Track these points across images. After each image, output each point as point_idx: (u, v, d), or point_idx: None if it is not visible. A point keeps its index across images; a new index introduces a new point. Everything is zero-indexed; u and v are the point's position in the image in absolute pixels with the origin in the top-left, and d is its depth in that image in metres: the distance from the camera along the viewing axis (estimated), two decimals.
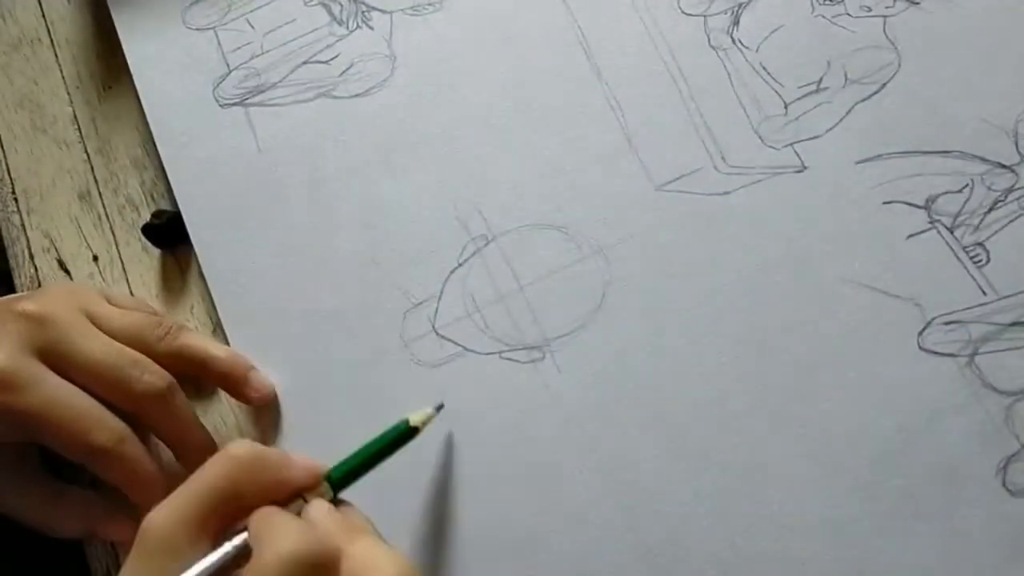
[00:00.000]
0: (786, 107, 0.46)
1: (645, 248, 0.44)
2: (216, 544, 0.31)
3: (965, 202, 0.43)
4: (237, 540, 0.31)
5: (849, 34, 0.46)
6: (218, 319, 0.46)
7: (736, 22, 0.48)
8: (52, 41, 0.54)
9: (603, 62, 0.48)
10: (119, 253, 0.49)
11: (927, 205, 0.43)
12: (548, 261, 0.44)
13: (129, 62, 0.51)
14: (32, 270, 0.49)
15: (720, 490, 0.40)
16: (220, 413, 0.45)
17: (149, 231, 0.47)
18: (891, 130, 0.45)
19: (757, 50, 0.47)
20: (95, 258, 0.49)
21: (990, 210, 0.43)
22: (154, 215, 0.48)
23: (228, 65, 0.50)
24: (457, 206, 0.46)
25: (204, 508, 0.31)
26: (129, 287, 0.48)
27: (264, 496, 0.33)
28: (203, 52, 0.51)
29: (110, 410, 0.39)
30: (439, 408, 0.40)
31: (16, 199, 0.51)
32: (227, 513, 0.32)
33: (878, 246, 0.43)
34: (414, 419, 0.39)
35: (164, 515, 0.31)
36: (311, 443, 0.43)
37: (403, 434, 0.38)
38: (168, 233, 0.47)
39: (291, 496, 0.34)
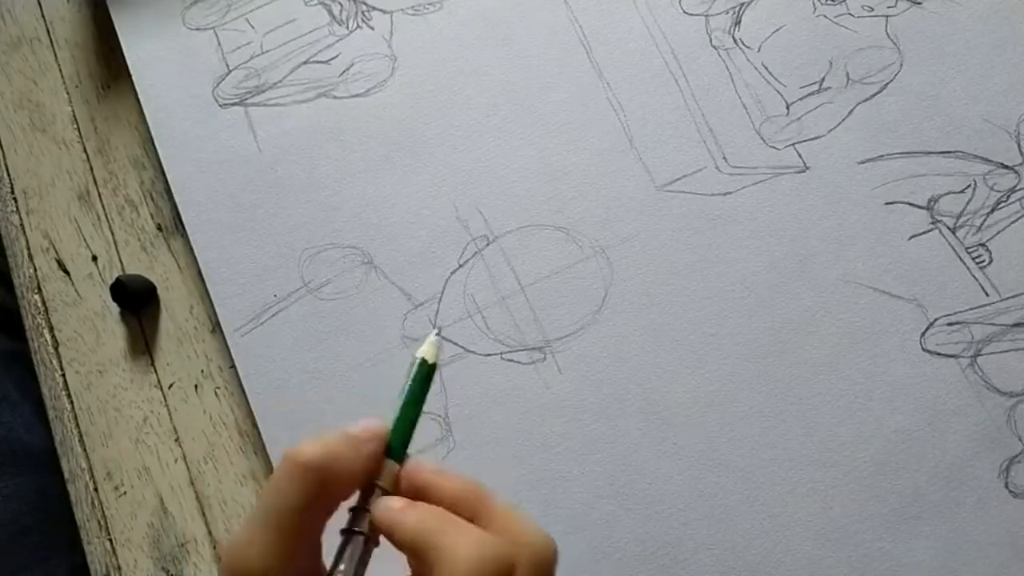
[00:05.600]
0: (788, 107, 0.46)
1: (646, 248, 0.44)
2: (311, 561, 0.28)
3: (967, 203, 0.43)
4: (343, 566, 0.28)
5: (851, 34, 0.46)
6: (218, 319, 0.46)
7: (738, 22, 0.47)
8: (51, 41, 0.54)
9: (604, 62, 0.47)
10: (118, 253, 0.49)
11: (929, 206, 0.43)
12: (549, 262, 0.44)
13: (128, 62, 0.51)
14: (31, 270, 0.49)
15: (721, 491, 0.40)
16: (218, 411, 0.45)
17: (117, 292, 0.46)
18: (893, 130, 0.44)
19: (759, 50, 0.47)
20: (94, 258, 0.49)
21: (992, 211, 0.43)
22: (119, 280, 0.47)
23: (228, 65, 0.50)
24: (457, 206, 0.46)
25: (289, 532, 0.27)
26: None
27: (345, 492, 0.29)
28: (203, 52, 0.50)
29: None
30: (438, 333, 0.35)
31: (15, 199, 0.50)
32: (315, 526, 0.29)
33: (880, 247, 0.43)
34: (427, 355, 0.34)
35: (248, 549, 0.27)
36: None
37: (428, 375, 0.34)
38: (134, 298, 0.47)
39: (367, 478, 0.30)
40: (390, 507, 0.29)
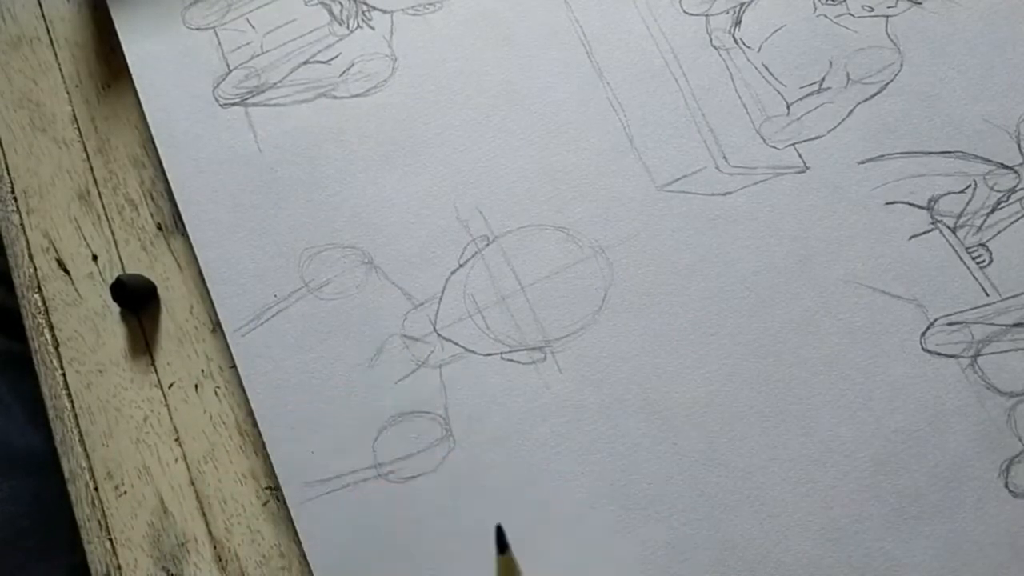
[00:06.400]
0: (788, 107, 0.46)
1: (647, 248, 0.44)
2: None
3: (967, 203, 0.43)
4: None
5: (851, 34, 0.46)
6: (218, 319, 0.46)
7: (738, 22, 0.47)
8: (52, 40, 0.54)
9: (604, 62, 0.47)
10: (118, 253, 0.49)
11: (929, 206, 0.43)
12: (549, 262, 0.44)
13: (129, 62, 0.51)
14: (31, 270, 0.49)
15: (721, 491, 0.40)
16: (218, 411, 0.45)
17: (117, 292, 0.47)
18: (893, 130, 0.45)
19: (759, 50, 0.47)
20: (94, 258, 0.49)
21: (992, 211, 0.43)
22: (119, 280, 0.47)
23: (228, 65, 0.50)
24: (458, 206, 0.46)
25: None
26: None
27: None
28: (203, 52, 0.50)
29: None
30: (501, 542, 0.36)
31: (15, 198, 0.50)
32: None
33: (880, 247, 0.43)
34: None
35: None
36: (311, 443, 0.43)
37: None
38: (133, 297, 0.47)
39: None
40: None
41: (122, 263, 0.48)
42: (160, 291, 0.48)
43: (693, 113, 0.46)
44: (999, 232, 0.42)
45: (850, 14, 0.47)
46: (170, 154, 0.49)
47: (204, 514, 0.44)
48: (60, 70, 0.53)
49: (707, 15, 0.48)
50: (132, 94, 0.51)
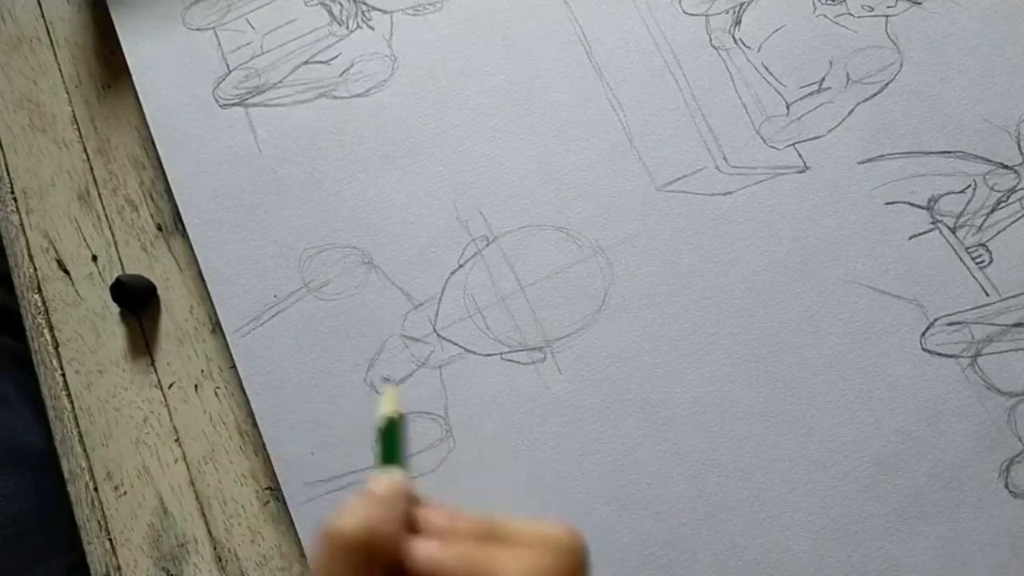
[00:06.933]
0: (788, 107, 0.46)
1: (647, 248, 0.44)
2: None
3: (967, 203, 0.43)
4: None
5: (851, 34, 0.46)
6: (218, 319, 0.46)
7: (738, 22, 0.47)
8: (51, 41, 0.54)
9: (604, 62, 0.47)
10: (118, 253, 0.49)
11: (929, 206, 0.43)
12: (549, 262, 0.44)
13: (129, 62, 0.51)
14: (31, 270, 0.49)
15: (721, 492, 0.40)
16: (218, 411, 0.45)
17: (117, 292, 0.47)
18: (893, 130, 0.45)
19: (759, 50, 0.47)
20: (94, 258, 0.49)
21: (992, 211, 0.43)
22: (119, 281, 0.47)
23: (228, 65, 0.50)
24: (457, 206, 0.46)
25: None
26: None
27: (387, 556, 0.30)
28: (203, 52, 0.50)
29: None
30: (386, 380, 0.41)
31: (15, 199, 0.50)
32: None
33: (880, 247, 0.43)
34: (391, 411, 0.37)
35: None
36: (311, 443, 0.43)
37: (400, 429, 0.38)
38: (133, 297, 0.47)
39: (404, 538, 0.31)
40: (428, 549, 0.30)
41: (122, 263, 0.48)
42: (160, 291, 0.48)
43: (693, 113, 0.46)
44: (999, 232, 0.42)
45: (850, 14, 0.47)
46: (170, 154, 0.49)
47: (204, 514, 0.44)
48: (60, 70, 0.53)
49: (707, 15, 0.48)
50: (132, 94, 0.51)
